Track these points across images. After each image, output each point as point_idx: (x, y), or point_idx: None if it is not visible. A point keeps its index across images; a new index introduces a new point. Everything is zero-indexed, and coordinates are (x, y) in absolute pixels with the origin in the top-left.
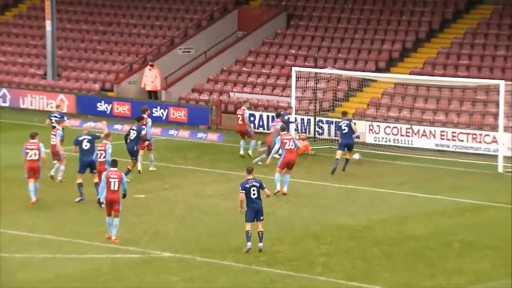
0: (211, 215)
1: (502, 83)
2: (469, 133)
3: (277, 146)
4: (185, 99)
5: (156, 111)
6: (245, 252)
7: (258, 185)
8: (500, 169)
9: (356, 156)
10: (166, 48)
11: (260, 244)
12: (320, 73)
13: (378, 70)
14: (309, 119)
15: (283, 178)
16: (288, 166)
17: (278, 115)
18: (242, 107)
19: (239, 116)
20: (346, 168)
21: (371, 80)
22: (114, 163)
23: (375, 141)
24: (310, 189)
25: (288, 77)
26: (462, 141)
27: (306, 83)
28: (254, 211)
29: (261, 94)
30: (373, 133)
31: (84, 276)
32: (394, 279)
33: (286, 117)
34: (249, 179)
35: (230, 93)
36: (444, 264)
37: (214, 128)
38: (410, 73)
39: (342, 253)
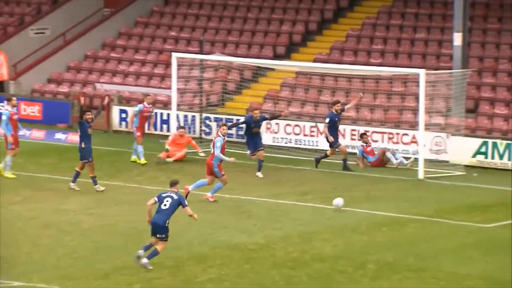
0: (73, 235)
1: (422, 72)
2: (384, 132)
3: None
4: (40, 92)
5: (3, 106)
6: (136, 259)
7: (176, 197)
8: (421, 175)
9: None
10: (14, 29)
11: (145, 260)
12: (207, 60)
13: (276, 56)
14: (194, 116)
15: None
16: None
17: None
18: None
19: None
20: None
21: (268, 68)
22: None
23: (274, 142)
24: (196, 202)
25: (168, 64)
26: (376, 141)
27: (190, 72)
28: (153, 225)
29: (135, 85)
30: (271, 132)
31: None
32: None
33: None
34: (171, 190)
35: (96, 84)
36: None
37: (76, 127)
38: (314, 61)
39: (234, 278)
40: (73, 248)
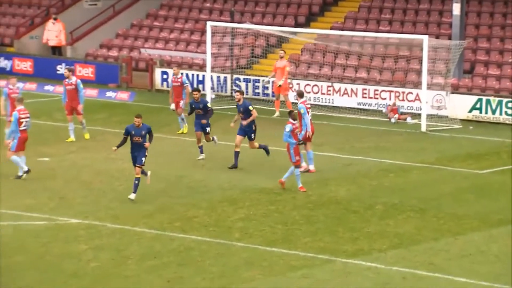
0: (121, 180)
1: (425, 38)
2: (392, 91)
3: (306, 119)
4: (93, 56)
5: (61, 68)
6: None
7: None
8: (424, 128)
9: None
10: (70, 1)
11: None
12: (237, 28)
13: (297, 25)
14: (226, 77)
15: (306, 154)
16: (309, 138)
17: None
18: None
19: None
20: None
21: (290, 35)
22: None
23: (295, 99)
24: (227, 152)
25: (203, 32)
26: (384, 99)
27: (222, 39)
28: None
29: (175, 50)
30: (293, 91)
31: None
32: (315, 244)
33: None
34: None
35: (141, 49)
36: (366, 228)
37: (124, 86)
38: (331, 28)
39: (261, 217)
40: (122, 192)
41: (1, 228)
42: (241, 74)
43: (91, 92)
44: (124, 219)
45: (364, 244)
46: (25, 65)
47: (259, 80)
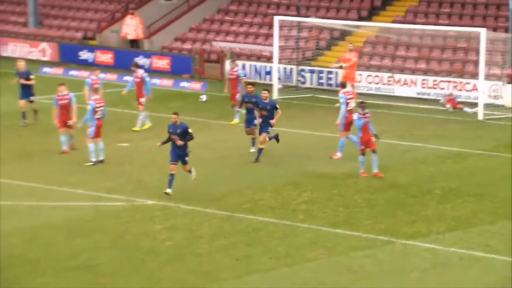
0: (194, 164)
1: (483, 31)
2: (450, 81)
3: (343, 108)
4: (168, 48)
5: (139, 60)
6: None
7: None
8: (481, 117)
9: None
10: None
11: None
12: (303, 22)
13: (360, 19)
14: (292, 68)
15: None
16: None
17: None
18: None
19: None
20: None
21: (353, 29)
22: None
23: (357, 90)
24: (292, 138)
25: (271, 26)
26: (443, 89)
27: (289, 32)
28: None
29: (244, 43)
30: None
31: (67, 225)
32: (375, 226)
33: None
34: None
35: (213, 42)
36: (424, 211)
37: (197, 77)
38: (392, 22)
39: (324, 200)
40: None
41: (84, 208)
42: (307, 66)
43: (166, 82)
44: (196, 201)
45: (422, 226)
46: (106, 57)
47: (323, 71)
